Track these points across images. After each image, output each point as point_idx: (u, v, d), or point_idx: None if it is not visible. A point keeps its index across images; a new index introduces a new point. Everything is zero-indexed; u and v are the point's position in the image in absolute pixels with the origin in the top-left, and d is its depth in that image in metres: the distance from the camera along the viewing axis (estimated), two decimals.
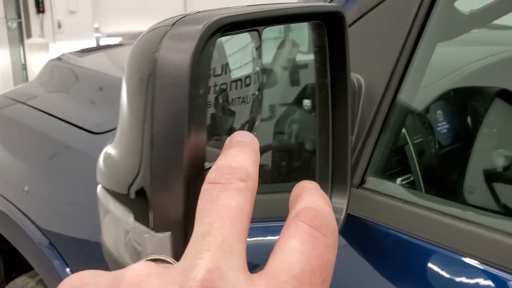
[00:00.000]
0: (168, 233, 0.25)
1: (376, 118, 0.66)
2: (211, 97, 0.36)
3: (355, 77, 0.67)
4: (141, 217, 0.26)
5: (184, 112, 0.24)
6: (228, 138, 0.26)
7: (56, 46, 5.86)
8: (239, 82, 0.39)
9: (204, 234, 0.22)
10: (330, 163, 0.51)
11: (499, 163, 0.84)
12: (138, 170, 0.26)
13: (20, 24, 5.84)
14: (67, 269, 1.13)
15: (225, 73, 0.39)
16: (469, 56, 0.97)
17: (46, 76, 1.62)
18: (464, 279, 0.59)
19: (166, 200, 0.25)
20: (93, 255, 1.10)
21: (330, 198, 0.52)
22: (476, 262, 0.57)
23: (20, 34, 5.85)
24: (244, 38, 0.36)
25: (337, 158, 0.51)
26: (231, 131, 0.39)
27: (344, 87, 0.49)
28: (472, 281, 0.58)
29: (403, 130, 0.88)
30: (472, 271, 0.58)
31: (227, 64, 0.39)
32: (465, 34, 0.94)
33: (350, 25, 0.69)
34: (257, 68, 0.37)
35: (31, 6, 5.81)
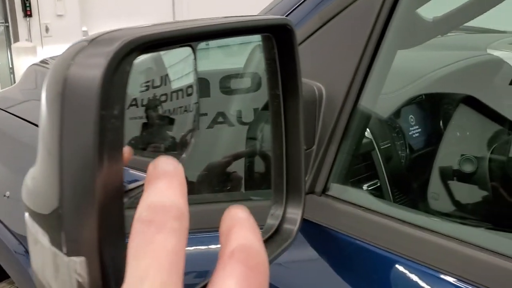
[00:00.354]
0: (82, 258, 0.25)
1: (337, 125, 0.65)
2: (145, 110, 0.35)
3: (316, 85, 0.67)
4: (56, 241, 0.25)
5: (92, 135, 0.23)
6: (151, 165, 0.25)
7: (43, 50, 5.80)
8: (180, 92, 0.38)
9: (142, 277, 0.22)
10: (284, 173, 0.50)
11: (464, 168, 0.84)
12: (53, 193, 0.25)
13: (7, 28, 5.78)
14: None
15: (165, 84, 0.39)
16: (437, 62, 0.97)
17: (29, 80, 1.60)
18: None
19: (79, 225, 0.24)
20: None
21: (285, 208, 0.51)
22: (436, 272, 0.56)
23: (8, 38, 5.79)
24: (183, 51, 0.36)
25: (291, 168, 0.51)
26: (171, 139, 0.39)
27: (296, 98, 0.48)
28: None
29: (370, 136, 0.88)
30: (431, 281, 0.57)
31: (166, 75, 0.38)
32: (434, 39, 0.94)
33: (311, 34, 0.68)
34: (195, 79, 0.36)
35: (18, 10, 5.75)
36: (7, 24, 5.76)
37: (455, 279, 0.54)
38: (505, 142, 0.82)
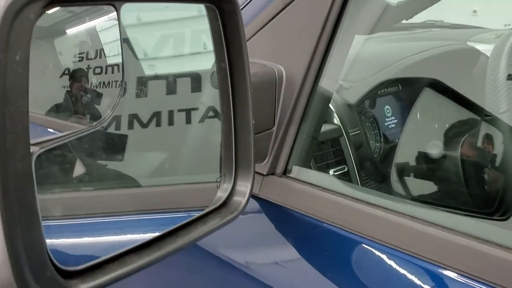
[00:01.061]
0: None
1: (296, 107, 0.66)
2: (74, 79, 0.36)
3: (277, 68, 0.67)
4: None
5: None
6: None
7: None
8: (115, 67, 0.39)
9: None
10: (233, 147, 0.51)
11: (431, 152, 0.84)
12: None
13: None
14: None
15: (100, 58, 0.39)
16: (405, 51, 0.97)
17: None
18: (377, 266, 0.59)
19: None
20: None
21: (234, 182, 0.51)
22: (386, 247, 0.56)
23: None
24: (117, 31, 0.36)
25: (240, 142, 0.51)
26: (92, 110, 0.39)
27: (242, 72, 0.49)
28: (386, 268, 0.58)
29: (338, 123, 0.88)
30: (382, 256, 0.58)
31: (102, 49, 0.39)
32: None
33: (272, 18, 0.68)
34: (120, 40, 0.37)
35: None
36: None
37: (405, 254, 0.55)
38: (472, 127, 0.82)
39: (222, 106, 0.50)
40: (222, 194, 0.50)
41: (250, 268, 0.65)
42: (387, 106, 1.09)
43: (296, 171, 0.68)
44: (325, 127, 0.86)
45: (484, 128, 0.80)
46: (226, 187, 0.51)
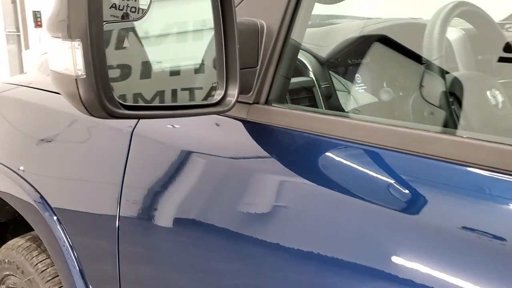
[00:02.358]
0: (78, 40, 0.48)
1: (273, 52, 0.88)
2: None
3: (259, 21, 0.90)
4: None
5: None
6: None
7: None
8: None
9: None
10: (224, 64, 0.74)
11: (382, 98, 1.07)
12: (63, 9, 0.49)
13: (18, 36, 6.10)
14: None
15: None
16: (368, 23, 1.21)
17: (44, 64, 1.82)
18: (337, 155, 0.82)
19: (76, 17, 0.49)
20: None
21: (227, 87, 0.75)
22: (346, 142, 0.79)
23: (19, 46, 6.11)
24: None
25: (229, 61, 0.74)
26: None
27: (230, 11, 0.72)
28: (343, 155, 0.81)
29: (311, 76, 1.12)
30: (341, 149, 0.81)
31: None
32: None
33: None
34: None
35: (29, 21, 6.07)
36: (18, 33, 6.08)
37: (351, 142, 0.77)
38: (417, 75, 1.06)
39: (216, 35, 0.73)
40: (218, 95, 0.74)
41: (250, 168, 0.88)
42: (357, 74, 1.32)
43: (276, 100, 0.91)
44: (300, 78, 1.09)
45: (423, 71, 1.04)
46: (220, 92, 0.74)
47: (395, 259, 0.65)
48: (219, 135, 1.00)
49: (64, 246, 1.26)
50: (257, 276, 0.85)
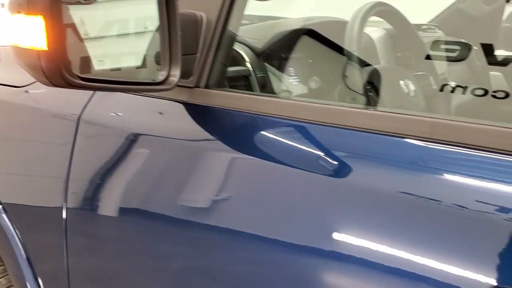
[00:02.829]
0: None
1: (212, 40, 0.99)
2: None
3: (200, 14, 1.00)
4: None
5: None
6: None
7: None
8: None
9: None
10: (167, 48, 0.84)
11: (311, 86, 1.21)
12: None
13: None
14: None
15: None
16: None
17: None
18: (271, 130, 0.92)
19: None
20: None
21: (170, 69, 0.85)
22: (278, 118, 0.89)
23: None
24: None
25: (172, 45, 0.84)
26: None
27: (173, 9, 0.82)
28: (276, 131, 0.92)
29: (248, 66, 1.24)
30: (273, 125, 0.92)
31: None
32: None
33: None
34: None
35: None
36: None
37: (284, 119, 0.88)
38: (341, 66, 1.20)
39: (161, 22, 0.83)
40: (162, 76, 0.84)
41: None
42: (289, 65, 1.45)
43: (215, 85, 1.02)
44: (238, 67, 1.21)
45: (346, 63, 1.19)
46: (164, 72, 0.84)
47: (337, 222, 0.74)
48: (163, 119, 1.09)
49: (14, 242, 1.28)
50: (205, 258, 0.90)
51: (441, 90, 1.34)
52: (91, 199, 1.15)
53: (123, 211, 1.08)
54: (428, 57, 1.43)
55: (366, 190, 0.71)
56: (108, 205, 1.12)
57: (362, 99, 1.18)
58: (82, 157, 1.15)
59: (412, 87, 1.26)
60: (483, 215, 0.62)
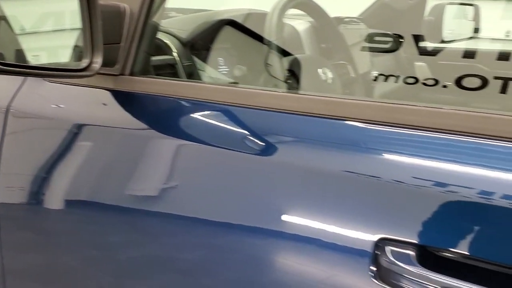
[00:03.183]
0: None
1: (136, 30, 1.04)
2: None
3: (123, 5, 1.05)
4: None
5: None
6: None
7: None
8: None
9: None
10: (89, 37, 0.89)
11: (236, 74, 1.30)
12: None
13: None
14: None
15: None
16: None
17: None
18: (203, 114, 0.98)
19: None
20: None
21: (92, 56, 0.90)
22: (208, 103, 0.95)
23: None
24: None
25: (94, 35, 0.89)
26: None
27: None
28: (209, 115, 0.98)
29: (175, 55, 1.30)
30: (205, 108, 0.98)
31: None
32: None
33: None
34: None
35: None
36: None
37: (215, 103, 0.94)
38: (263, 55, 1.29)
39: (82, 13, 0.88)
40: (85, 63, 0.89)
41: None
42: (215, 55, 1.52)
43: (140, 73, 1.08)
44: (165, 57, 1.27)
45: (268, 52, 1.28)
46: (86, 60, 0.89)
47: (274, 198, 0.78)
48: (91, 107, 1.13)
49: None
50: (153, 246, 0.92)
51: (369, 79, 1.45)
52: (25, 192, 1.15)
53: (64, 202, 1.09)
54: (359, 48, 1.53)
55: (292, 167, 0.77)
56: (48, 198, 1.11)
57: (284, 85, 1.27)
58: (12, 149, 1.16)
59: (329, 75, 1.36)
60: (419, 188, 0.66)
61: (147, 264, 0.93)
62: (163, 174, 0.93)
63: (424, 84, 1.08)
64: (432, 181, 0.67)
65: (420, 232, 0.64)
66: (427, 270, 0.62)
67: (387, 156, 0.74)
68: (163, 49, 1.26)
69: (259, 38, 1.33)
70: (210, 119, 0.96)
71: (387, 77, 1.24)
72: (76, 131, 1.11)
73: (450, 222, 0.63)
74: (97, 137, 1.08)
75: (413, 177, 0.68)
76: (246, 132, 0.89)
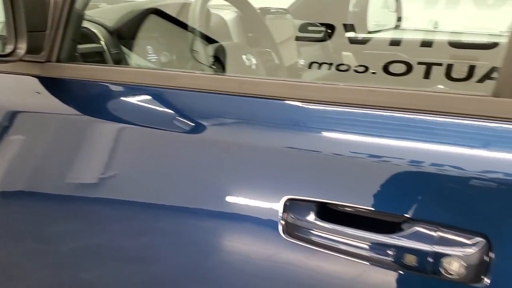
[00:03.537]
0: None
1: (60, 19, 1.08)
2: None
3: None
4: None
5: None
6: None
7: None
8: None
9: None
10: (12, 23, 0.92)
11: (162, 60, 1.36)
12: None
13: None
14: None
15: None
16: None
17: None
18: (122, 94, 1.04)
19: None
20: None
21: (17, 42, 0.93)
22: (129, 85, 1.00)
23: None
24: None
25: (17, 21, 0.93)
26: None
27: None
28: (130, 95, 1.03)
29: (102, 43, 1.34)
30: (128, 91, 1.04)
31: None
32: None
33: None
34: None
35: None
36: None
37: (135, 86, 1.00)
38: (189, 42, 1.35)
39: (4, 1, 0.91)
40: (9, 49, 0.92)
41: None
42: (143, 43, 1.57)
43: (67, 59, 1.11)
44: (92, 45, 1.31)
45: (193, 39, 1.34)
46: (10, 46, 0.93)
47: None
48: (19, 93, 1.15)
49: None
50: (95, 234, 0.92)
51: (299, 66, 1.55)
52: None
53: None
54: (288, 38, 1.62)
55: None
56: None
57: (209, 70, 1.34)
58: None
59: (253, 61, 1.45)
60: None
61: (90, 253, 0.94)
62: (100, 158, 0.95)
63: (356, 71, 1.17)
64: (329, 149, 0.76)
65: (320, 192, 0.74)
66: (325, 221, 0.71)
67: (293, 128, 0.83)
68: (91, 37, 1.29)
69: (184, 26, 1.39)
70: (139, 101, 0.99)
71: (320, 64, 1.32)
72: (5, 117, 1.13)
73: (345, 180, 0.73)
74: (27, 124, 1.10)
75: (313, 147, 0.77)
76: (173, 112, 0.94)
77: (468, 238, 0.64)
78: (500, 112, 0.68)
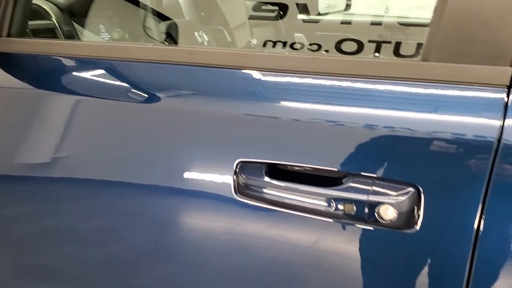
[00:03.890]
0: None
1: None
2: None
3: None
4: None
5: None
6: None
7: None
8: None
9: None
10: None
11: (114, 36, 1.37)
12: None
13: None
14: None
15: None
16: None
17: None
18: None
19: None
20: None
21: None
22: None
23: None
24: None
25: None
26: None
27: None
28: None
29: (54, 20, 1.34)
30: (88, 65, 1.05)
31: None
32: None
33: None
34: None
35: None
36: None
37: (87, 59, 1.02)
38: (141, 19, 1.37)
39: None
40: None
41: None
42: (101, 25, 1.58)
43: (18, 35, 1.11)
44: (43, 21, 1.31)
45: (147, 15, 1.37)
46: None
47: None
48: None
49: None
50: (52, 215, 0.90)
51: (252, 44, 1.58)
52: None
53: None
54: (242, 17, 1.65)
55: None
56: None
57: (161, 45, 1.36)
58: None
59: (205, 37, 1.48)
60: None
61: (45, 236, 0.92)
62: (54, 133, 0.94)
63: (309, 49, 1.20)
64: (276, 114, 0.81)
65: (268, 154, 0.79)
66: (273, 179, 0.76)
67: (242, 96, 0.87)
68: (42, 14, 1.29)
69: (137, 3, 1.41)
70: (93, 74, 1.00)
71: (275, 42, 1.36)
72: None
73: (291, 143, 0.78)
74: None
75: (261, 113, 0.81)
76: (125, 84, 0.96)
77: (400, 189, 0.70)
78: (427, 75, 0.74)
